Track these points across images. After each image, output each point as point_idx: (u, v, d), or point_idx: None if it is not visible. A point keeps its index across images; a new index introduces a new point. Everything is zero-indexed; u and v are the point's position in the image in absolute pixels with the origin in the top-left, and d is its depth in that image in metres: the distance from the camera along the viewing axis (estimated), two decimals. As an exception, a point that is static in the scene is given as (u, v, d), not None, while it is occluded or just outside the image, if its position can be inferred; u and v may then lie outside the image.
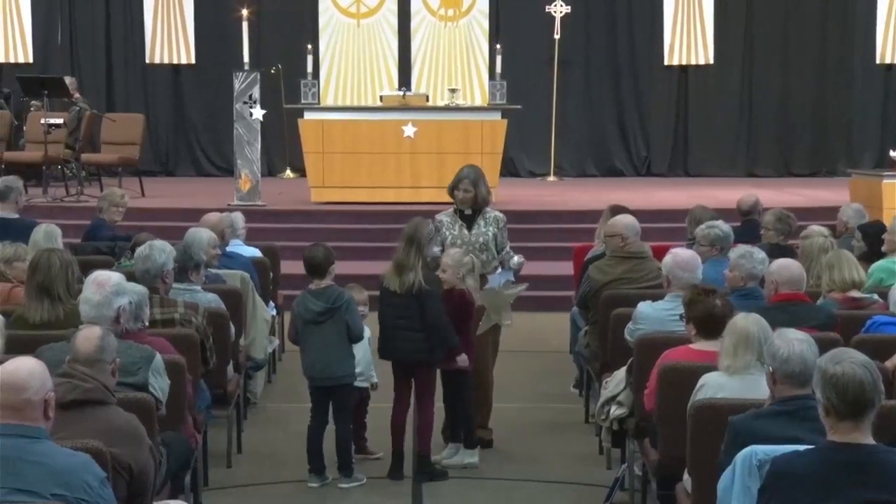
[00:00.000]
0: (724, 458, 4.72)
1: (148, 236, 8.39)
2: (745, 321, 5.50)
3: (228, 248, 9.06)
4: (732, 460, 4.57)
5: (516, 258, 8.34)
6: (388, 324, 7.48)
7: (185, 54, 20.02)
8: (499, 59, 17.02)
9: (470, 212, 8.23)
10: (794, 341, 4.73)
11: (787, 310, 6.57)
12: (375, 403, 7.96)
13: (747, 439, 4.63)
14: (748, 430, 4.70)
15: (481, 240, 8.18)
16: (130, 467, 4.72)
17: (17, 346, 5.87)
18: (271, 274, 9.88)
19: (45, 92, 15.78)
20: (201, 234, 8.09)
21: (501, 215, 8.45)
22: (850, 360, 4.09)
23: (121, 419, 4.84)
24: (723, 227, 8.43)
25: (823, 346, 4.72)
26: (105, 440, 4.58)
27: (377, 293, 7.63)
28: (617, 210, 9.02)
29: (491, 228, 8.27)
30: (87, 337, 5.05)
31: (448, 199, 8.46)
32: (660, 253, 7.81)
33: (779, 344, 4.75)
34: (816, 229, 8.58)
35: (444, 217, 8.30)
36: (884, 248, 8.81)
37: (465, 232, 8.23)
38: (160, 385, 5.66)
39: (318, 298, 7.39)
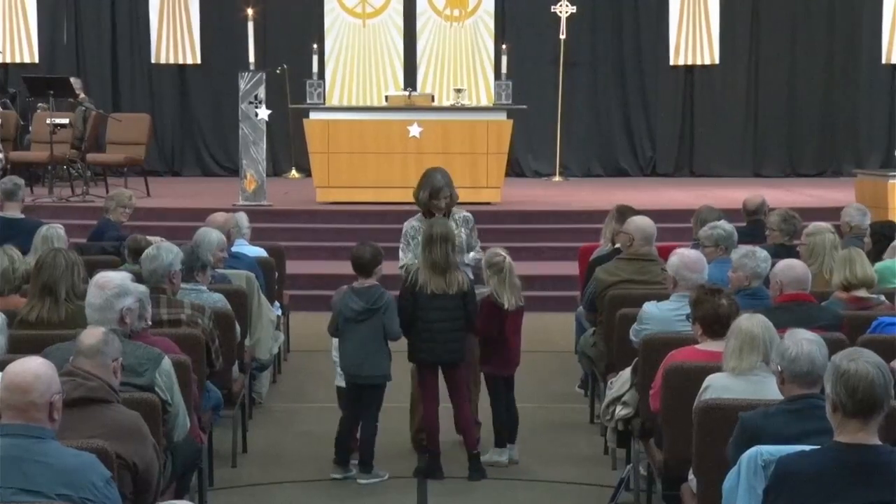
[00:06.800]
0: (731, 451, 4.74)
1: (142, 237, 8.40)
2: (750, 322, 5.49)
3: (233, 249, 9.06)
4: (739, 456, 4.57)
5: (471, 254, 8.22)
6: (428, 327, 7.39)
7: (191, 54, 20.02)
8: (504, 59, 17.03)
9: (444, 216, 8.14)
10: (804, 341, 4.73)
11: (792, 310, 6.56)
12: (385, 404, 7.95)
13: (756, 435, 4.65)
14: (757, 426, 4.71)
15: (456, 242, 8.12)
16: (135, 465, 4.74)
17: (22, 346, 5.87)
18: (277, 274, 9.87)
19: (51, 92, 15.79)
20: (211, 235, 8.08)
21: (470, 215, 8.36)
22: (864, 360, 4.10)
23: (125, 417, 4.85)
24: (725, 226, 8.41)
25: (829, 347, 4.73)
26: (110, 438, 4.59)
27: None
28: (623, 210, 9.00)
29: (463, 229, 8.20)
30: (92, 332, 5.10)
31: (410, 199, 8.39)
32: (666, 253, 7.80)
33: (788, 343, 4.76)
34: (823, 226, 8.57)
35: (416, 223, 8.14)
36: (885, 256, 8.78)
37: None
38: (175, 400, 5.66)
39: (359, 297, 7.41)
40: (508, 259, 7.64)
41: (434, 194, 8.06)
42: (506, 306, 7.60)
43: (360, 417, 7.50)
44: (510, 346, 7.76)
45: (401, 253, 8.20)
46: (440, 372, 7.61)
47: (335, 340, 7.70)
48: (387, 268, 7.74)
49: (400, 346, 7.71)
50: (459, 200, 8.34)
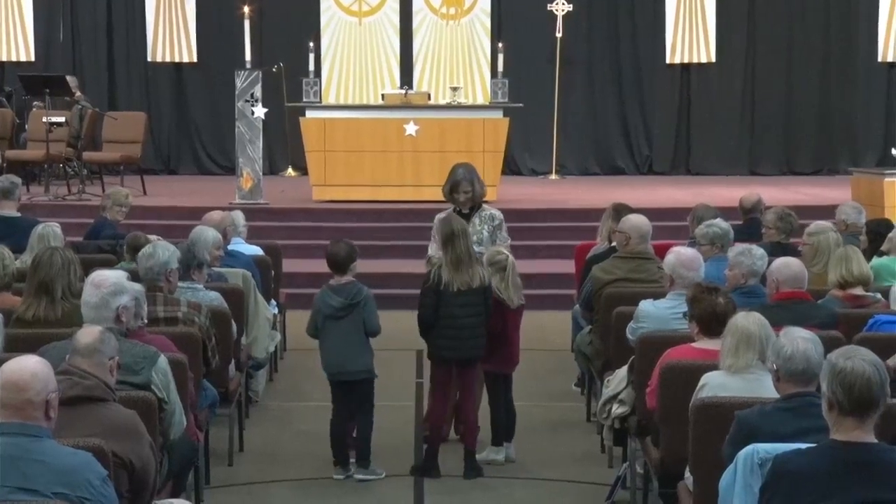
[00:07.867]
0: (727, 449, 4.74)
1: (142, 235, 8.40)
2: (746, 320, 5.50)
3: (230, 247, 9.06)
4: (735, 453, 4.58)
5: (475, 247, 8.24)
6: (454, 324, 7.35)
7: (187, 52, 20.00)
8: (501, 57, 17.01)
9: (467, 210, 8.21)
10: (799, 339, 4.73)
11: (788, 308, 6.57)
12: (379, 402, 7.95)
13: (752, 433, 4.65)
14: (754, 424, 4.72)
15: (475, 238, 8.15)
16: (132, 463, 4.73)
17: (18, 345, 5.87)
18: (273, 272, 9.87)
19: (47, 90, 15.80)
20: (207, 234, 8.08)
21: (498, 213, 8.41)
22: (860, 357, 4.10)
23: (122, 416, 4.85)
24: (721, 224, 8.42)
25: (826, 345, 4.72)
26: (106, 437, 4.58)
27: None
28: (620, 208, 9.01)
29: (486, 226, 8.26)
30: (89, 330, 5.10)
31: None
32: (662, 251, 7.80)
33: (783, 342, 4.75)
34: (826, 225, 8.58)
35: (445, 216, 8.22)
36: (883, 248, 8.80)
37: None
38: (171, 398, 5.65)
39: (337, 294, 7.42)
40: (511, 258, 7.66)
41: (454, 188, 8.25)
42: (509, 304, 7.61)
43: (353, 415, 7.50)
44: (511, 343, 7.77)
45: (430, 245, 8.32)
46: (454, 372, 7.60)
47: None
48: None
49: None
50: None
